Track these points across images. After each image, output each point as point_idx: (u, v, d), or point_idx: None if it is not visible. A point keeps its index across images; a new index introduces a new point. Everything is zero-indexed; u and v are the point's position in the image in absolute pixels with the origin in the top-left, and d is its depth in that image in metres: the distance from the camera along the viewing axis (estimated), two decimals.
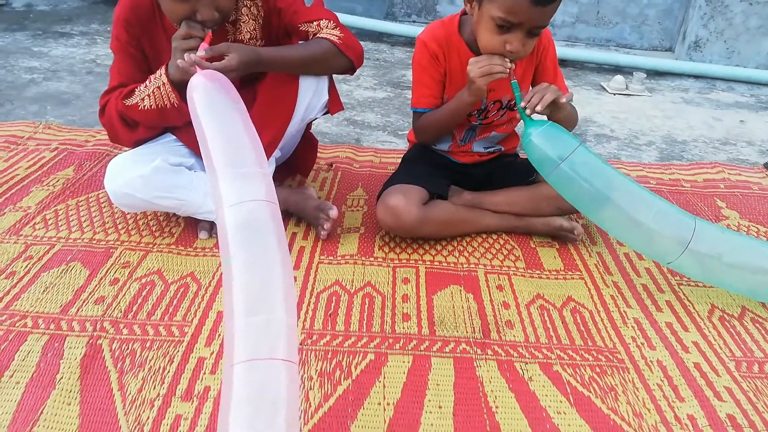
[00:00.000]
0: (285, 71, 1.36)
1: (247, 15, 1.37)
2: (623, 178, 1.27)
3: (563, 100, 1.27)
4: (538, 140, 1.25)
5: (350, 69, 1.42)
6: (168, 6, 1.19)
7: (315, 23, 1.38)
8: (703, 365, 1.14)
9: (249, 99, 1.37)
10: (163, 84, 1.25)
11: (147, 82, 1.28)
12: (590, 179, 1.24)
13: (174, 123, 1.35)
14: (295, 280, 1.30)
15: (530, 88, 1.38)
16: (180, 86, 1.24)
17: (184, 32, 1.18)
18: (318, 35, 1.37)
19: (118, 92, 1.30)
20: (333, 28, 1.37)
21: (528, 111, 1.26)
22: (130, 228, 1.45)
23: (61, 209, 1.51)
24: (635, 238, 1.28)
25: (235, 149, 0.98)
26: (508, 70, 1.25)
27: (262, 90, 1.37)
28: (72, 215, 1.49)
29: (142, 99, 1.27)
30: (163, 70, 1.25)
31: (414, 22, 3.76)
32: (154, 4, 1.29)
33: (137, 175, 1.28)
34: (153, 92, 1.26)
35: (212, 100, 1.06)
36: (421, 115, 1.47)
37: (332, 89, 1.48)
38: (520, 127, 1.39)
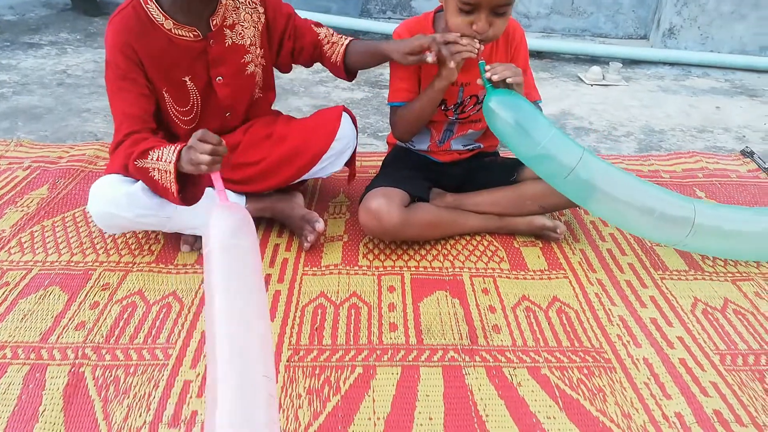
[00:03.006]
0: None
1: (248, 21, 1.39)
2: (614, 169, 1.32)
3: (511, 80, 1.26)
4: (496, 107, 1.27)
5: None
6: None
7: (324, 29, 1.49)
8: (688, 361, 1.15)
9: (235, 142, 1.44)
10: (169, 172, 1.16)
11: (160, 153, 1.18)
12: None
13: (172, 202, 1.24)
14: (279, 294, 1.29)
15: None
16: (186, 175, 1.18)
17: (201, 135, 1.10)
18: (332, 41, 1.49)
19: (131, 142, 1.23)
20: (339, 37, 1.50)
21: (488, 74, 1.27)
22: (108, 247, 1.43)
23: (36, 231, 1.48)
24: (644, 228, 1.34)
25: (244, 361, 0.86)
26: (476, 51, 1.26)
27: (291, 135, 1.45)
28: (48, 237, 1.46)
29: (154, 168, 1.19)
30: (174, 156, 1.15)
31: (389, 18, 3.74)
32: (143, 15, 1.26)
33: (123, 193, 1.24)
34: (161, 169, 1.17)
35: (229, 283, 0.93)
36: (398, 109, 1.46)
37: (352, 162, 1.56)
38: None
